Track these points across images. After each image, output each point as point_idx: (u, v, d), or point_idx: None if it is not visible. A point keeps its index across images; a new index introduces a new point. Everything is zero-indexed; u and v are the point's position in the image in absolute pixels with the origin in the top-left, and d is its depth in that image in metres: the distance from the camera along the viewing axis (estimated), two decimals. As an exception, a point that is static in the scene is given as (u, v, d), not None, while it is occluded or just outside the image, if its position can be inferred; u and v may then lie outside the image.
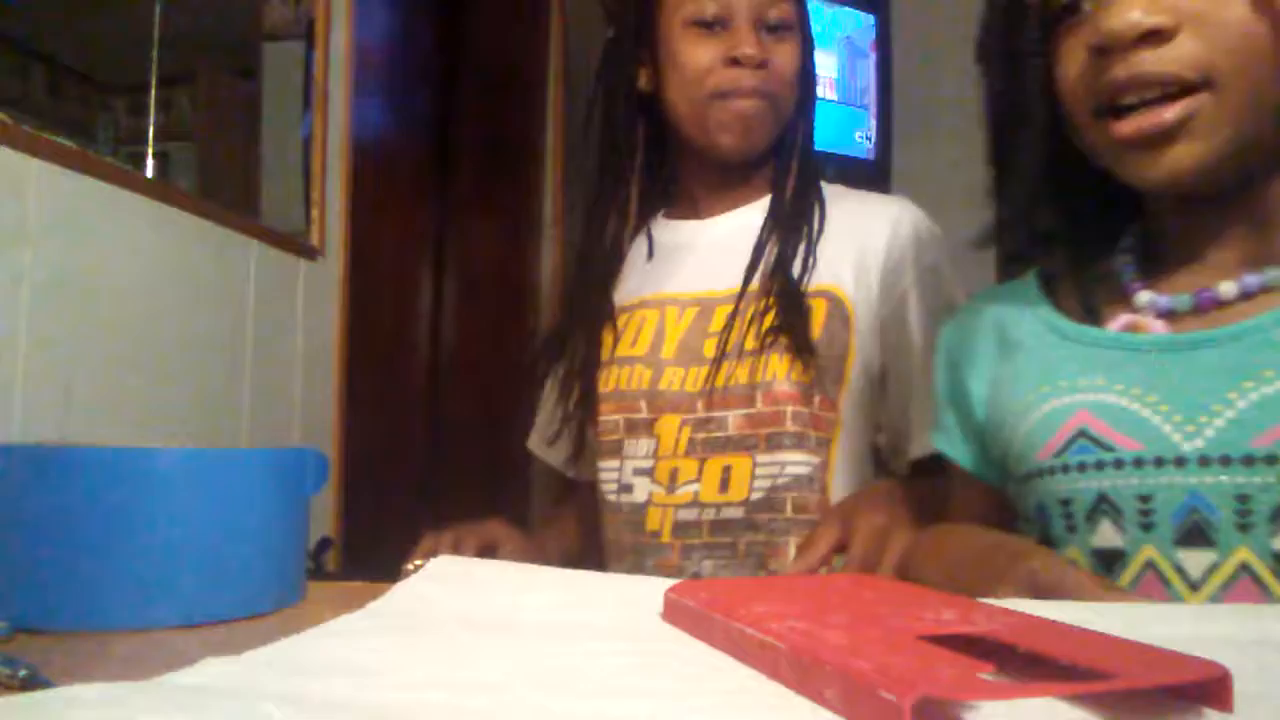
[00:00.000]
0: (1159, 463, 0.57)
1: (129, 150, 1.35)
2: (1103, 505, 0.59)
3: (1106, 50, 0.58)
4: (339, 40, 1.86)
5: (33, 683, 0.32)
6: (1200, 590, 0.56)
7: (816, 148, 0.98)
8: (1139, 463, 0.58)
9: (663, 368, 0.92)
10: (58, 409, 1.11)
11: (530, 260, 2.63)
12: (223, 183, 1.58)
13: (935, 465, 0.78)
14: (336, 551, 1.64)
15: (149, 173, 1.37)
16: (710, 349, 0.89)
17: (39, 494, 0.42)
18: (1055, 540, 0.63)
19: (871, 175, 2.62)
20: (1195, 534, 0.56)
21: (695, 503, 0.87)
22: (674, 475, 0.89)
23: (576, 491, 1.05)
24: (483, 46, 2.61)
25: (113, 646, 0.39)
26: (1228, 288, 0.59)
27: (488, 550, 0.87)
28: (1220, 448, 0.55)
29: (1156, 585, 0.57)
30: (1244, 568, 0.54)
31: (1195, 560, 0.56)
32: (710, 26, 0.90)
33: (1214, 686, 0.28)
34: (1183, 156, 0.57)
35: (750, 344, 0.87)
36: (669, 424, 0.90)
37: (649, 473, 0.90)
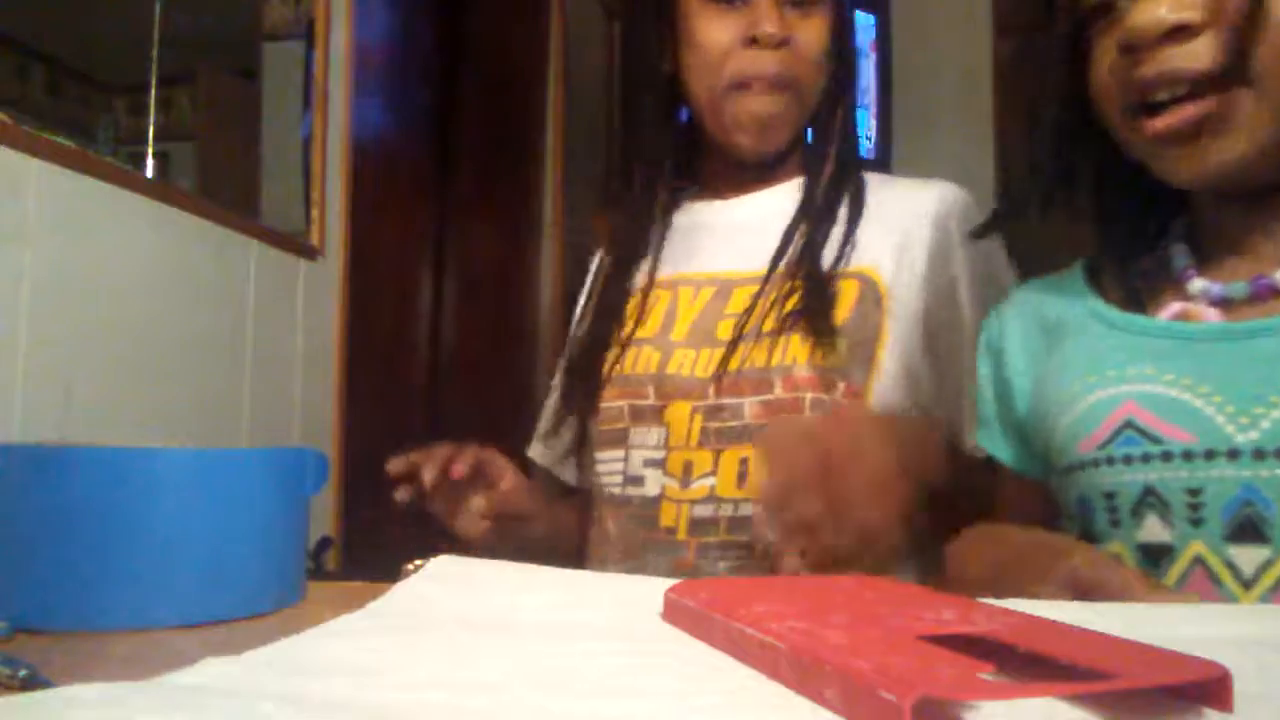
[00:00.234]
0: (1210, 455, 0.56)
1: (129, 150, 1.35)
2: (1149, 499, 0.58)
3: (1134, 48, 0.57)
4: (339, 40, 1.86)
5: (33, 683, 0.32)
6: (1253, 588, 0.54)
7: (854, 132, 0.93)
8: (1189, 455, 0.56)
9: (672, 350, 0.86)
10: (58, 409, 1.11)
11: (530, 260, 2.64)
12: (223, 183, 1.59)
13: (990, 463, 0.75)
14: (336, 551, 1.64)
15: (149, 173, 1.37)
16: (725, 330, 0.84)
17: (39, 494, 0.42)
18: (1098, 535, 0.61)
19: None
20: (1248, 529, 0.54)
21: (712, 498, 0.81)
22: (688, 468, 0.83)
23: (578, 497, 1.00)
24: (483, 46, 2.61)
25: (113, 646, 0.39)
26: None
27: (480, 475, 0.83)
28: (1277, 440, 0.54)
29: (1205, 582, 0.55)
30: None
31: (1248, 557, 0.54)
32: (730, 1, 0.84)
33: (1214, 686, 0.28)
34: (1219, 152, 0.56)
35: (769, 325, 0.81)
36: (679, 411, 0.84)
37: (660, 464, 0.84)
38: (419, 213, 2.42)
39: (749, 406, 0.81)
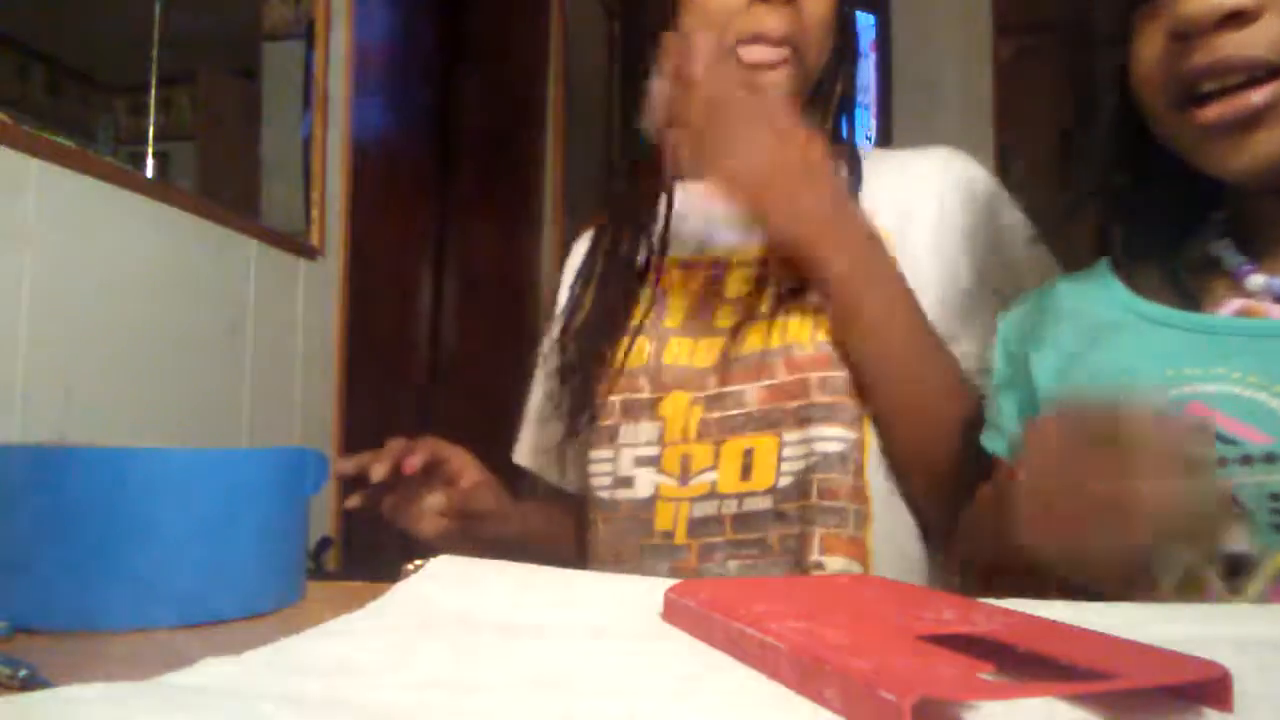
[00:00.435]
0: None
1: (129, 150, 1.35)
2: None
3: (1185, 35, 0.55)
4: (339, 40, 1.86)
5: (33, 683, 0.32)
6: None
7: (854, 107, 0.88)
8: (1271, 458, 0.52)
9: (667, 338, 0.81)
10: (58, 409, 1.11)
11: (530, 260, 2.64)
12: (223, 183, 1.59)
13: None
14: (336, 551, 1.64)
15: (149, 173, 1.37)
16: (723, 318, 0.79)
17: (39, 494, 0.42)
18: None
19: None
20: None
21: (713, 494, 0.75)
22: (686, 463, 0.77)
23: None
24: (483, 46, 2.61)
25: (113, 646, 0.39)
26: None
27: (438, 472, 0.78)
28: None
29: None
30: None
31: None
32: None
33: (1214, 686, 0.28)
34: (1271, 143, 0.54)
35: (766, 306, 0.77)
36: (676, 403, 0.78)
37: (654, 462, 0.78)
38: (419, 213, 2.42)
39: (752, 393, 0.76)
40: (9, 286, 1.07)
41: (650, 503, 0.78)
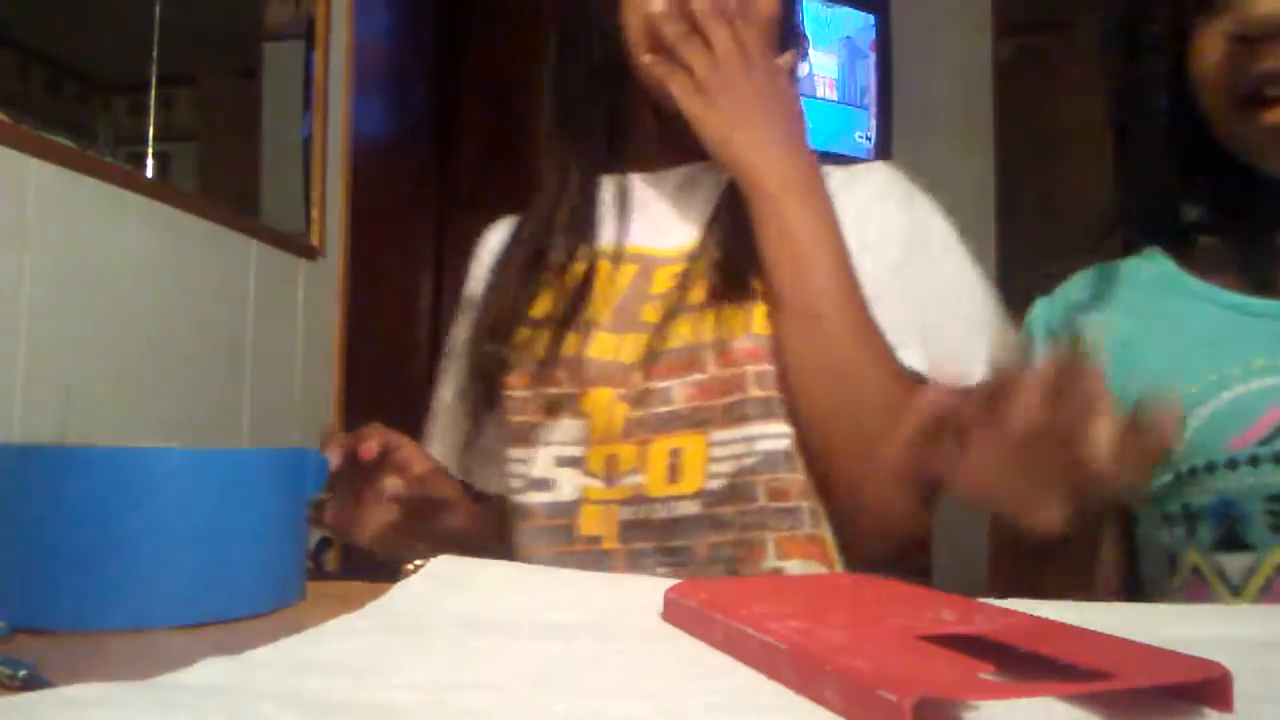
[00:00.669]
0: None
1: (129, 150, 1.35)
2: None
3: (1250, 39, 0.55)
4: (339, 40, 1.86)
5: (33, 683, 0.32)
6: None
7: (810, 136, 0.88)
8: None
9: (591, 333, 0.76)
10: (58, 409, 1.11)
11: (530, 260, 2.63)
12: (223, 183, 1.59)
13: None
14: (336, 551, 1.64)
15: (149, 173, 1.37)
16: (649, 314, 0.74)
17: (39, 494, 0.42)
18: (1250, 542, 0.56)
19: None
20: None
21: (640, 498, 0.71)
22: (612, 464, 0.72)
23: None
24: (483, 46, 2.61)
25: (113, 646, 0.39)
26: None
27: (388, 463, 0.71)
28: None
29: None
30: None
31: None
32: None
33: (1214, 687, 0.28)
34: None
35: (696, 298, 0.73)
36: (600, 400, 0.73)
37: (579, 462, 0.73)
38: (419, 213, 2.42)
39: (678, 389, 0.71)
40: (9, 286, 1.07)
41: (574, 506, 0.72)
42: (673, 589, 0.42)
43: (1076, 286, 0.72)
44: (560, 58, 0.86)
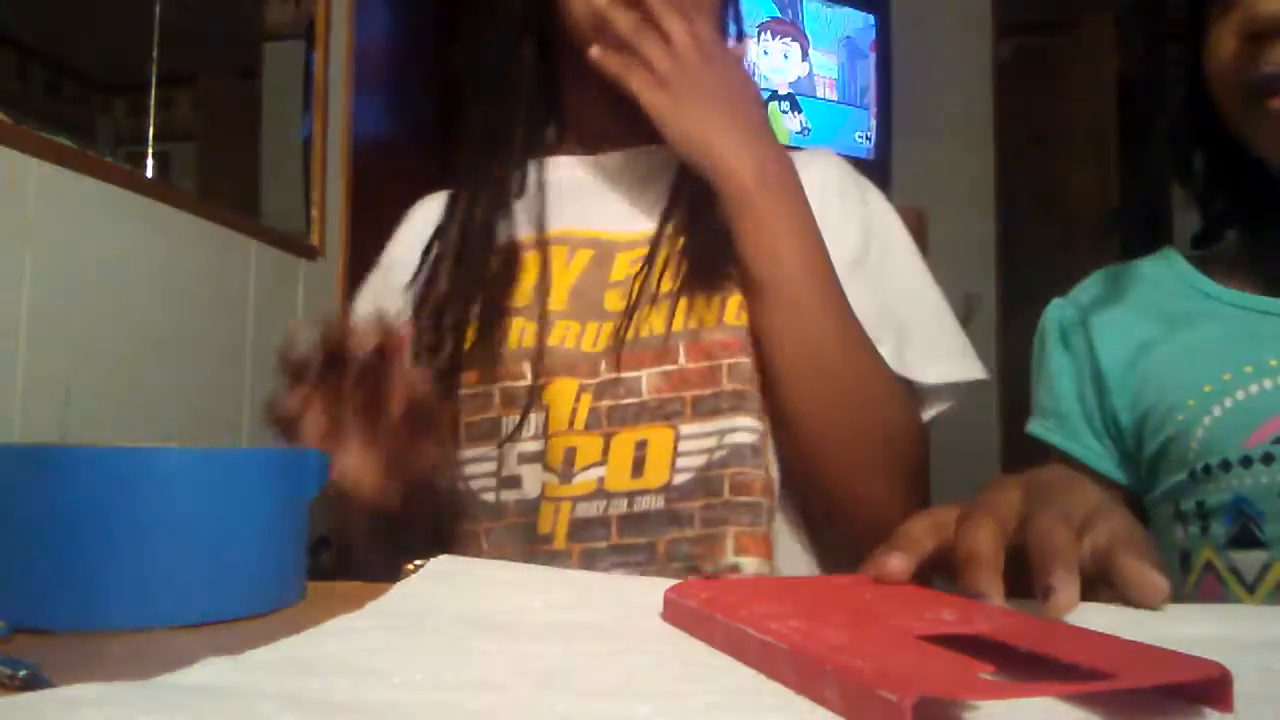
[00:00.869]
0: None
1: (129, 150, 1.35)
2: None
3: (1260, 36, 0.55)
4: (339, 40, 1.86)
5: (33, 683, 0.32)
6: None
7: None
8: None
9: (551, 321, 0.72)
10: (58, 409, 1.11)
11: (530, 260, 2.63)
12: (223, 183, 1.59)
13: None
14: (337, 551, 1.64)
15: (149, 173, 1.37)
16: (613, 301, 0.72)
17: (39, 494, 0.42)
18: (1264, 540, 0.57)
19: (871, 175, 2.63)
20: None
21: (600, 492, 0.67)
22: (570, 457, 0.68)
23: None
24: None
25: (113, 646, 0.39)
26: None
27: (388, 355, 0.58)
28: None
29: None
30: None
31: None
32: None
33: (1214, 686, 0.28)
34: None
35: (666, 286, 0.71)
36: (563, 391, 0.69)
37: (539, 457, 0.70)
38: (419, 213, 2.42)
39: (647, 380, 0.69)
40: (9, 287, 1.07)
41: (536, 504, 0.69)
42: (673, 589, 0.42)
43: (1091, 287, 0.72)
44: (502, 39, 0.81)
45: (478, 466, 0.72)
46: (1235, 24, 0.57)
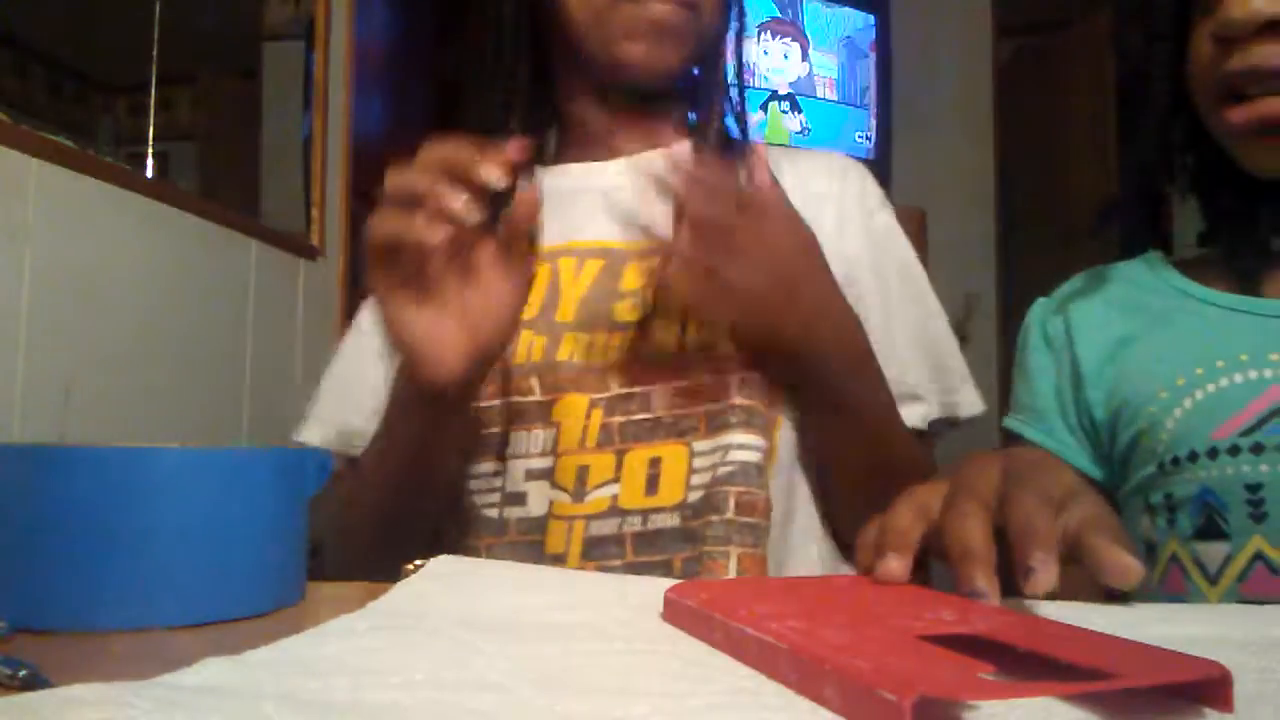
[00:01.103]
0: None
1: (129, 150, 1.35)
2: None
3: (1228, 39, 0.57)
4: (339, 40, 1.86)
5: (33, 683, 0.32)
6: None
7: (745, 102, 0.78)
8: None
9: (560, 334, 0.70)
10: (58, 409, 1.11)
11: (530, 260, 2.63)
12: (223, 183, 1.59)
13: (923, 437, 0.73)
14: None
15: (149, 173, 1.37)
16: (624, 312, 0.70)
17: (39, 494, 0.42)
18: (1227, 531, 0.58)
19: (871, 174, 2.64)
20: None
21: (614, 510, 0.66)
22: (582, 475, 0.67)
23: None
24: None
25: (113, 646, 0.39)
26: None
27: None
28: None
29: None
30: None
31: None
32: None
33: (1214, 686, 0.28)
34: None
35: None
36: (573, 407, 0.68)
37: (548, 474, 0.68)
38: (419, 213, 2.42)
39: (660, 395, 0.67)
40: (9, 286, 1.07)
41: (543, 521, 0.68)
42: (673, 589, 0.42)
43: (1073, 286, 0.74)
44: (498, 49, 0.77)
45: (482, 482, 0.71)
46: (1212, 27, 0.59)
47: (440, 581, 0.47)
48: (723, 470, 0.66)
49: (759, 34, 2.75)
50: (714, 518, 0.65)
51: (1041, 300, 0.75)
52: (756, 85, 2.72)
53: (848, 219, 0.76)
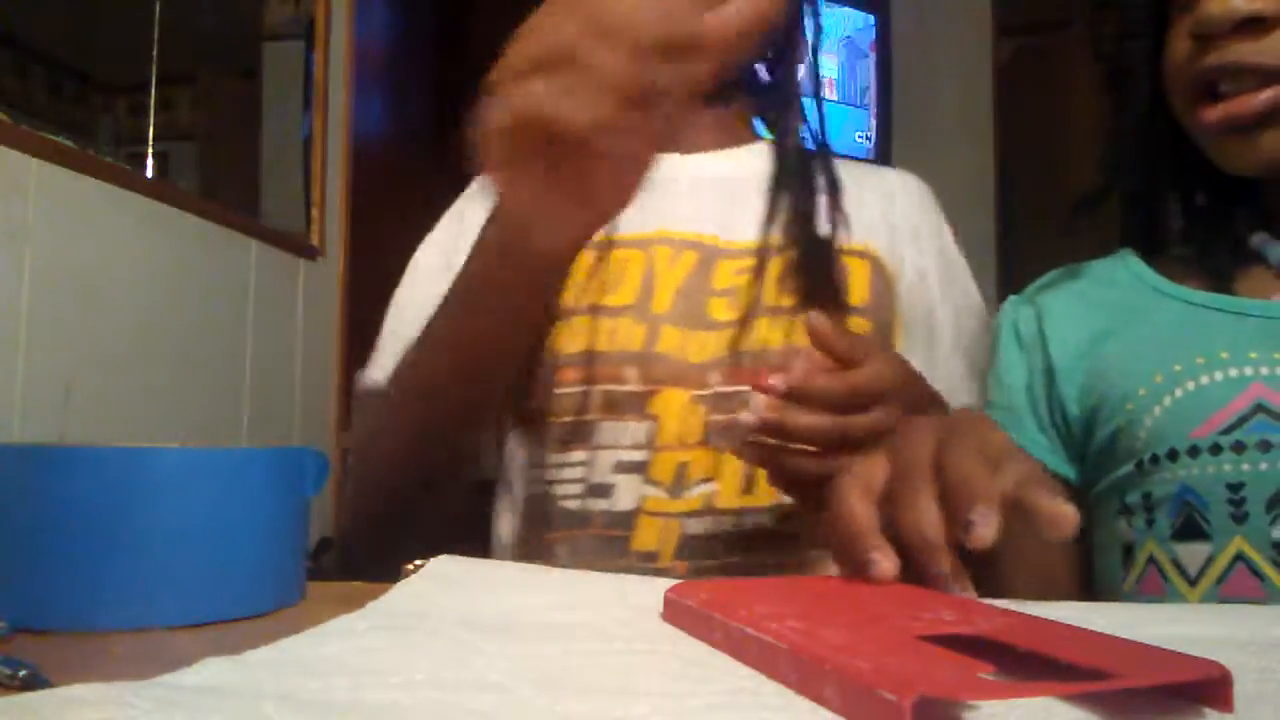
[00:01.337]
0: None
1: (129, 150, 1.35)
2: None
3: (1204, 37, 0.57)
4: (339, 40, 1.86)
5: (33, 683, 0.32)
6: None
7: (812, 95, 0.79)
8: None
9: (658, 325, 0.69)
10: (58, 409, 1.11)
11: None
12: (223, 183, 1.59)
13: None
14: (337, 551, 1.65)
15: (149, 173, 1.37)
16: (719, 310, 0.69)
17: (39, 494, 0.42)
18: (1208, 531, 0.57)
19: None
20: None
21: (709, 509, 0.66)
22: (681, 473, 0.66)
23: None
24: (483, 46, 2.61)
25: (113, 646, 0.39)
26: None
27: None
28: None
29: None
30: None
31: None
32: None
33: (1214, 686, 0.28)
34: (1274, 145, 0.56)
35: (771, 298, 0.69)
36: (673, 401, 0.67)
37: (641, 469, 0.67)
38: (419, 213, 2.42)
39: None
40: (9, 286, 1.07)
41: (630, 517, 0.67)
42: (673, 589, 0.42)
43: (1045, 283, 0.74)
44: None
45: (564, 471, 0.69)
46: (1189, 25, 0.59)
47: (440, 581, 0.47)
48: None
49: (759, 34, 2.74)
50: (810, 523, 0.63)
51: (1013, 297, 0.75)
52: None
53: (919, 233, 0.78)
